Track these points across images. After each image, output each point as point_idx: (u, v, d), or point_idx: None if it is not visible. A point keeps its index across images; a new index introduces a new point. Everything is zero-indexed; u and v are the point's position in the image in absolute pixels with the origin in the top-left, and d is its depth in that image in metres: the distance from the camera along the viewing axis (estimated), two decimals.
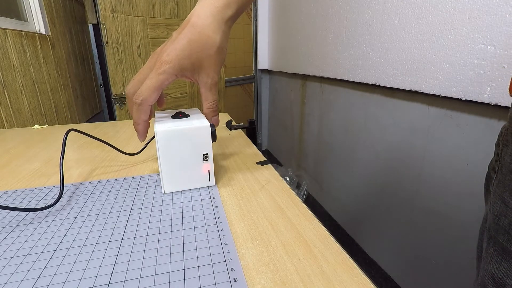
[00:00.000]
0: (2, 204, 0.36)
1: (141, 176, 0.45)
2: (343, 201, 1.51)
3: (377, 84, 1.13)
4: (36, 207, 0.36)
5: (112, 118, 1.75)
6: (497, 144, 0.36)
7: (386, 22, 1.06)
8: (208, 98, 0.39)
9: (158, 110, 0.45)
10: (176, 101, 1.69)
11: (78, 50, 1.60)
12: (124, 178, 0.44)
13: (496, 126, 0.76)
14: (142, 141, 0.41)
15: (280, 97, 2.20)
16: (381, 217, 1.22)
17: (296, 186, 1.89)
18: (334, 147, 1.53)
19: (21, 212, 0.34)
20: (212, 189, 0.40)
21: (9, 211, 0.34)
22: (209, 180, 0.40)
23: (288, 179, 1.89)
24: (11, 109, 0.91)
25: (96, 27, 1.61)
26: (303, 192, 1.85)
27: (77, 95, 1.50)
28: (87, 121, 1.63)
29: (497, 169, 0.35)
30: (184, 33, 0.35)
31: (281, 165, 2.25)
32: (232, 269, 0.25)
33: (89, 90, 1.73)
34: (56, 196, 0.39)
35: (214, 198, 0.37)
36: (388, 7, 1.04)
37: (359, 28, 1.20)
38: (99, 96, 1.88)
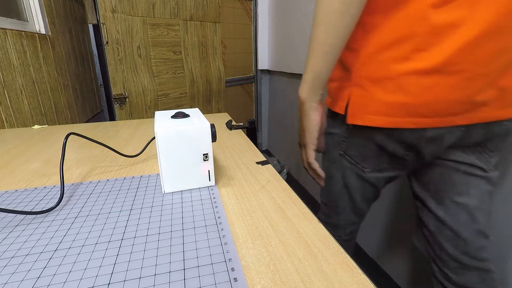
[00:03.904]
0: (2, 203, 0.36)
1: (141, 176, 0.45)
2: None
3: None
4: (35, 210, 0.36)
5: (112, 118, 1.75)
6: None
7: None
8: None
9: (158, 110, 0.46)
10: (176, 101, 1.69)
11: (78, 50, 1.60)
12: (124, 178, 0.44)
13: None
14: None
15: (280, 97, 2.20)
16: (381, 217, 1.22)
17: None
18: None
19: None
20: (212, 189, 0.40)
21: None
22: (209, 180, 0.40)
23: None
24: (11, 109, 0.91)
25: (96, 27, 1.61)
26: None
27: (77, 95, 1.50)
28: (87, 121, 1.63)
29: None
30: None
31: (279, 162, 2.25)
32: (232, 269, 0.25)
33: (89, 90, 1.73)
34: (56, 195, 0.39)
35: (214, 198, 0.37)
36: None
37: None
38: (99, 96, 1.88)
